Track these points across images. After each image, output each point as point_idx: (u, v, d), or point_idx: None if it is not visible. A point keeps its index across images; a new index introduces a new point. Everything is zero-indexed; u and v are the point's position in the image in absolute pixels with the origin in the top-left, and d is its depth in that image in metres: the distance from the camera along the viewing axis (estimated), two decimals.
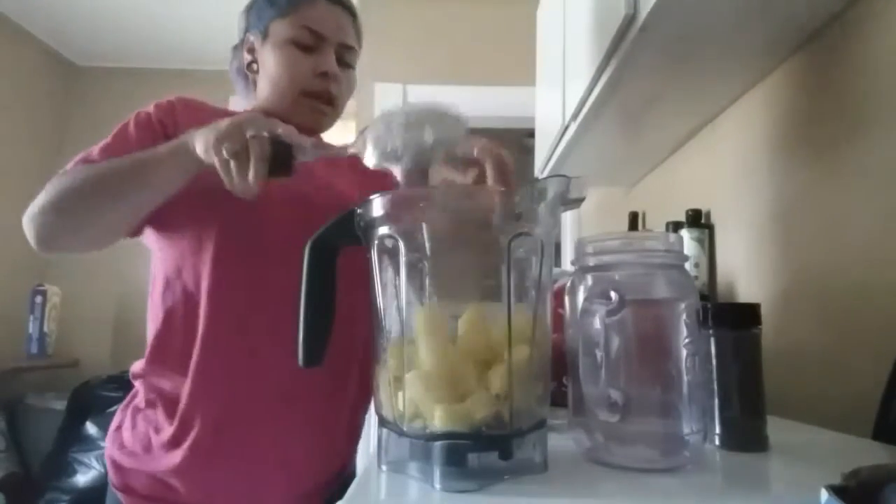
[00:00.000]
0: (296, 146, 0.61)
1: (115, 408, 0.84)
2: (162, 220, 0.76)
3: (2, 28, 2.52)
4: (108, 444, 0.79)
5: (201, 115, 0.81)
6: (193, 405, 0.73)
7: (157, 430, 0.75)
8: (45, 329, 2.54)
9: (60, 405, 2.34)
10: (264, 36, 0.86)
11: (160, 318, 0.77)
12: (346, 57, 0.88)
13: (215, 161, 0.60)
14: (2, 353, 2.45)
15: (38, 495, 2.18)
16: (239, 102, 0.95)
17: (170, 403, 0.75)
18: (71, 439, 2.22)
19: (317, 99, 0.85)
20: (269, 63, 0.85)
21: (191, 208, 0.75)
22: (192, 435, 0.72)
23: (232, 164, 0.59)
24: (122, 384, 2.25)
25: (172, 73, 2.90)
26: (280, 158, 0.59)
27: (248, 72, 0.89)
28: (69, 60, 2.89)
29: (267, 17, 0.86)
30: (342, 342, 0.60)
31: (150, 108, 0.81)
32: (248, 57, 0.89)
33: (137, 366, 0.80)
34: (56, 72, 2.84)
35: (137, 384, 0.80)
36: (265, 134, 0.59)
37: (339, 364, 0.77)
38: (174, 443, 0.73)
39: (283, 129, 0.61)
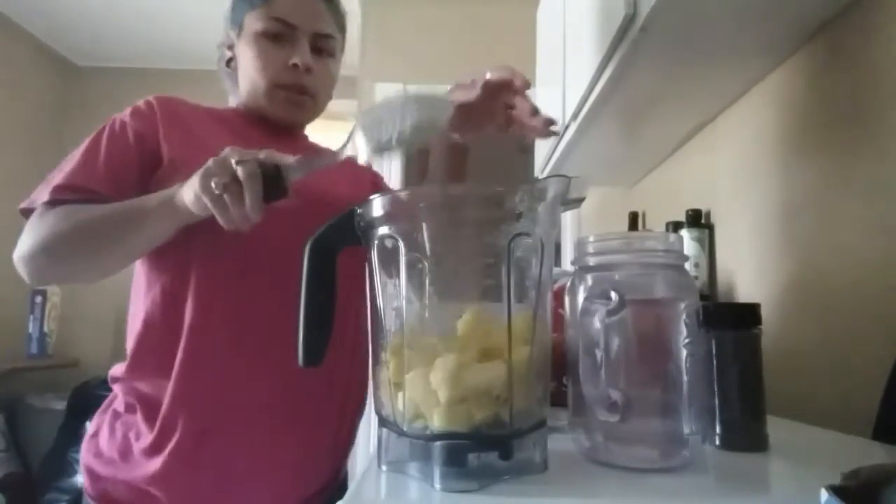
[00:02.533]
0: (283, 166, 0.59)
1: None
2: None
3: (2, 28, 2.52)
4: (83, 452, 0.76)
5: (182, 113, 0.81)
6: (175, 411, 0.71)
7: (137, 437, 0.72)
8: (45, 329, 2.54)
9: (60, 405, 2.34)
10: (239, 30, 0.85)
11: (140, 321, 0.75)
12: (322, 45, 0.85)
13: (206, 200, 0.58)
14: (2, 353, 2.45)
15: (38, 495, 2.18)
16: (232, 100, 0.93)
17: (150, 408, 0.72)
18: (71, 439, 2.22)
19: (290, 90, 0.83)
20: (244, 57, 0.84)
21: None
22: (173, 441, 0.70)
23: (226, 197, 0.57)
24: None
25: (172, 73, 2.90)
26: (272, 182, 0.57)
27: (229, 69, 0.88)
28: (69, 60, 2.89)
29: (241, 10, 0.85)
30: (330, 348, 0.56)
31: (127, 117, 0.78)
32: (228, 53, 0.88)
33: (117, 369, 0.78)
34: (56, 72, 2.84)
35: (116, 388, 0.78)
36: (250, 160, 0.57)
37: (325, 371, 0.61)
38: (154, 449, 0.71)
39: (265, 154, 0.59)
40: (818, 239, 0.81)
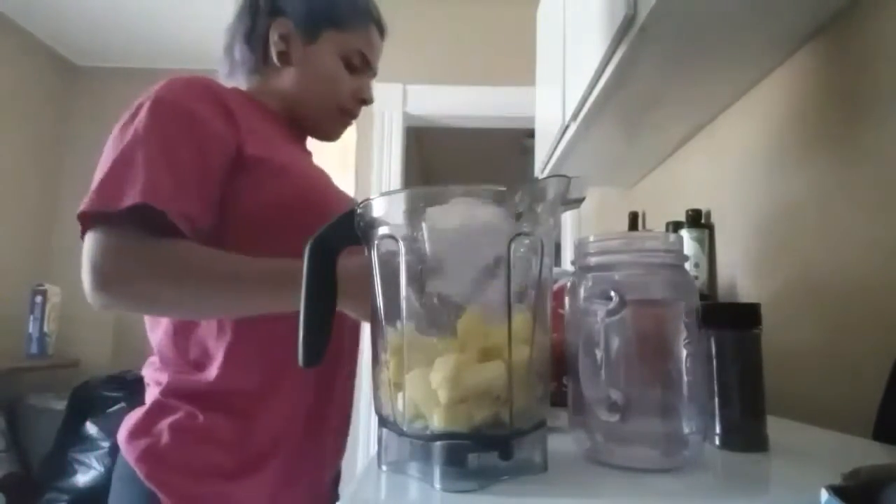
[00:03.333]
0: None
1: (115, 408, 0.79)
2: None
3: (2, 28, 2.52)
4: (139, 462, 0.67)
5: (237, 98, 0.76)
6: (275, 425, 0.71)
7: (230, 449, 0.69)
8: (45, 329, 2.53)
9: (60, 405, 2.33)
10: (312, 38, 0.83)
11: (232, 329, 0.70)
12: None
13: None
14: (2, 353, 2.45)
15: (38, 495, 2.18)
16: (231, 81, 0.88)
17: (242, 420, 0.70)
18: (71, 439, 2.22)
19: (347, 116, 0.90)
20: (312, 68, 0.84)
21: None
22: (275, 456, 0.71)
23: None
24: (123, 384, 2.25)
25: (172, 74, 2.89)
26: None
27: (279, 60, 0.83)
28: (69, 60, 2.89)
29: (320, 21, 0.83)
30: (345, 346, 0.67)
31: (190, 103, 0.69)
32: (280, 45, 0.83)
33: (189, 380, 0.71)
34: (56, 72, 2.84)
35: (180, 402, 0.70)
36: None
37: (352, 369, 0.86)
38: (255, 464, 0.69)
39: None
40: (818, 239, 0.81)
